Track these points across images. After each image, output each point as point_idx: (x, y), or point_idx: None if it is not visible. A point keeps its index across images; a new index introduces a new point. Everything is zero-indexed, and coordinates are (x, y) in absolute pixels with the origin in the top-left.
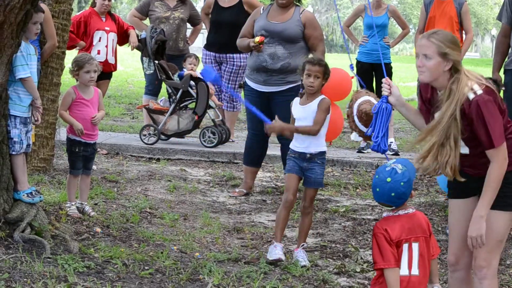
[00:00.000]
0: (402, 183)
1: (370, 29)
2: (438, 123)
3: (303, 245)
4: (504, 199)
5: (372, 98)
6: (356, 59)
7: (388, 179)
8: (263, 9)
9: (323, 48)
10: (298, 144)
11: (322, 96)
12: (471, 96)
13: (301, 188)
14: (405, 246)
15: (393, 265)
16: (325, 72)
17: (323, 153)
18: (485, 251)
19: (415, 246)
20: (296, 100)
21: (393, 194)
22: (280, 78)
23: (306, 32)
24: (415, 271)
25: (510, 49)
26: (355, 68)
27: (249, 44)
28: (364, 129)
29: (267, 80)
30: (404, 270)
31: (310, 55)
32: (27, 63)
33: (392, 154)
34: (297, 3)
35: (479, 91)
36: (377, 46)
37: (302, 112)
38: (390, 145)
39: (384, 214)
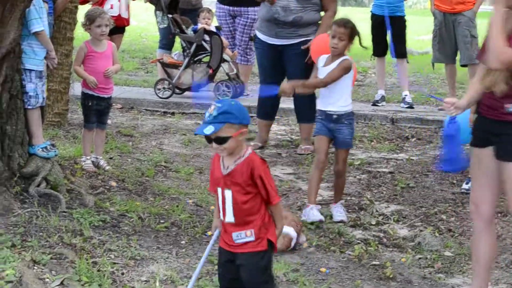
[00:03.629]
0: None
1: None
2: None
3: (341, 202)
4: None
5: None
6: (370, 11)
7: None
8: None
9: (334, 9)
10: (321, 103)
11: (345, 57)
12: None
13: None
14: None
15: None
16: (351, 34)
17: (350, 113)
18: None
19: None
20: (322, 59)
21: None
22: (291, 31)
23: None
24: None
25: None
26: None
27: None
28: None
29: (278, 33)
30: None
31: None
32: (40, 16)
33: (407, 107)
34: None
35: None
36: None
37: (325, 73)
38: (405, 98)
39: (249, 151)
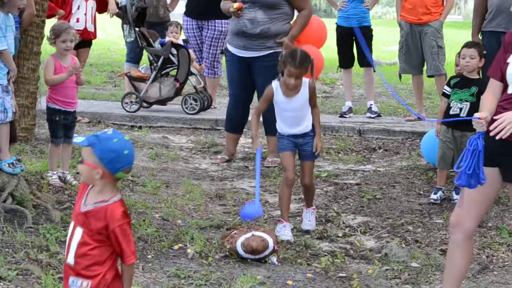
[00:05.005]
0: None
1: None
2: None
3: (312, 207)
4: None
5: (262, 234)
6: (335, 23)
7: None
8: None
9: (310, 8)
10: (288, 130)
11: (306, 81)
12: None
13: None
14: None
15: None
16: (307, 70)
17: (313, 125)
18: None
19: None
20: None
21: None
22: (259, 43)
23: None
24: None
25: (488, 11)
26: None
27: (229, 10)
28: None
29: (246, 45)
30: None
31: (295, 17)
32: (4, 35)
33: (374, 117)
34: None
35: None
36: (356, 11)
37: (288, 103)
38: (371, 107)
39: (113, 199)
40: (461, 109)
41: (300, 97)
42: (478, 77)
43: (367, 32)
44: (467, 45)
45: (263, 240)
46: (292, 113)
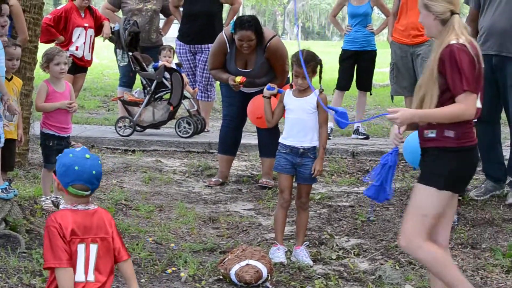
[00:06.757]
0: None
1: (353, 18)
2: (424, 74)
3: (306, 243)
4: (429, 174)
5: (256, 263)
6: (342, 48)
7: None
8: (227, 43)
9: (280, 81)
10: (292, 138)
11: (316, 91)
12: (451, 42)
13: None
14: (81, 247)
15: (65, 265)
16: (313, 70)
17: (315, 147)
18: (409, 224)
19: (93, 248)
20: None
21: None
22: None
23: (271, 63)
24: (90, 276)
25: (478, 34)
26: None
27: (227, 80)
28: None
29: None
30: (80, 276)
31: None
32: None
33: (363, 138)
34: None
35: (461, 41)
36: (360, 34)
37: (293, 102)
38: (358, 129)
39: (61, 206)
40: None
41: (307, 100)
42: None
43: (372, 56)
44: None
45: (257, 272)
46: (296, 115)
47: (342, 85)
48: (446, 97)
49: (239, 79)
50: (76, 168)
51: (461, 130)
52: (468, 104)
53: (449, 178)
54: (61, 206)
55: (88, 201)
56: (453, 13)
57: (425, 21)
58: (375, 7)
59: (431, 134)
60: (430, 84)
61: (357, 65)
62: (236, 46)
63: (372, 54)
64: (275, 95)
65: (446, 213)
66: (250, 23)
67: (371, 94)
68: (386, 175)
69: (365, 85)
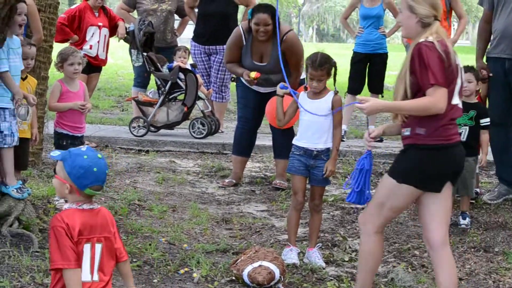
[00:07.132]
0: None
1: (365, 20)
2: (399, 74)
3: (319, 245)
4: (393, 167)
5: (269, 265)
6: (353, 50)
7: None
8: (244, 36)
9: (294, 78)
10: (305, 140)
11: (331, 92)
12: (420, 40)
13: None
14: (87, 247)
15: (74, 266)
16: (328, 73)
17: (328, 149)
18: (371, 207)
19: (98, 247)
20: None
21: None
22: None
23: (286, 57)
24: (95, 276)
25: (492, 36)
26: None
27: (242, 74)
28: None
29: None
30: (86, 275)
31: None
32: (6, 57)
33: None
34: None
35: (430, 39)
36: (372, 37)
37: (308, 104)
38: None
39: (66, 206)
40: (460, 133)
41: (322, 102)
42: (476, 101)
43: (383, 59)
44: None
45: (270, 273)
46: (310, 117)
47: (354, 88)
48: (418, 97)
49: (253, 74)
50: (95, 169)
51: (433, 128)
52: (436, 97)
53: (410, 173)
54: (65, 206)
55: (92, 200)
56: (435, 19)
57: (406, 21)
58: (387, 10)
59: (406, 132)
60: (399, 80)
61: (369, 68)
62: (253, 34)
63: (384, 57)
64: (289, 94)
65: (434, 210)
66: (267, 8)
67: (382, 97)
68: (365, 179)
69: (377, 87)
